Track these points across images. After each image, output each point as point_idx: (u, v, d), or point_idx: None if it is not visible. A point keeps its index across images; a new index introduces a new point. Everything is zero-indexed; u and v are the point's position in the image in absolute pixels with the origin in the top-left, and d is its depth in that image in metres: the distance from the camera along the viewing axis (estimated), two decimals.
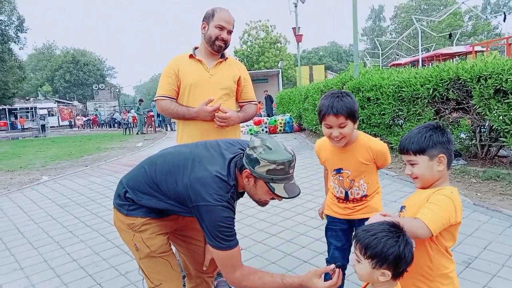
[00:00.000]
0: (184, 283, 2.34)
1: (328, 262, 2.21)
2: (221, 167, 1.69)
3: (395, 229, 1.26)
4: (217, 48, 2.47)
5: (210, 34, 2.46)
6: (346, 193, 2.06)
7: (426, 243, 1.45)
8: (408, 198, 1.63)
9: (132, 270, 3.15)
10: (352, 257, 1.31)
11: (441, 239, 1.45)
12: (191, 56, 2.55)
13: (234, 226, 1.68)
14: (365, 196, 2.05)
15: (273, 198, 1.73)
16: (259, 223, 4.05)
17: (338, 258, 2.11)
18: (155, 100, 2.63)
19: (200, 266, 2.12)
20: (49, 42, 69.55)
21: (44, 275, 3.17)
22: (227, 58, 2.60)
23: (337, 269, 1.59)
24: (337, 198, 2.11)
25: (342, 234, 2.13)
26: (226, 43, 2.48)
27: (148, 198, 1.77)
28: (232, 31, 2.52)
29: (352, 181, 2.03)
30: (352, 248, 1.32)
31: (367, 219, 1.99)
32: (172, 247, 2.00)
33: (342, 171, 2.03)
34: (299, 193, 1.72)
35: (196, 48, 2.61)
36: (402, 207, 1.60)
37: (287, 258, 3.22)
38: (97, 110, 40.10)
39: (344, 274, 2.18)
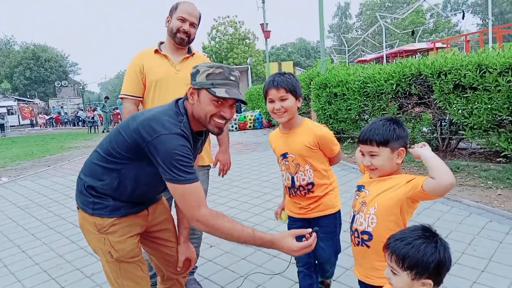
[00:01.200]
0: (154, 283, 2.29)
1: (296, 264, 2.21)
2: (168, 107, 1.66)
3: (430, 234, 1.17)
4: (178, 40, 2.42)
5: (172, 26, 2.41)
6: (293, 178, 2.06)
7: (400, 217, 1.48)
8: (366, 181, 1.61)
9: (97, 272, 3.07)
10: (386, 270, 1.23)
11: (405, 214, 1.50)
12: (156, 51, 2.49)
13: (192, 159, 1.58)
14: (312, 184, 2.02)
15: (220, 112, 1.63)
16: None
17: (303, 257, 2.06)
18: (121, 98, 2.55)
19: (173, 268, 2.02)
20: (6, 37, 66.20)
21: (4, 281, 3.03)
22: (194, 53, 2.56)
23: (313, 233, 1.57)
24: (288, 190, 2.11)
25: None
26: (188, 36, 2.43)
27: (108, 177, 1.64)
28: (196, 24, 2.47)
29: (297, 165, 2.02)
30: (388, 261, 1.22)
31: (324, 216, 2.05)
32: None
33: (287, 155, 2.05)
34: (244, 101, 1.69)
35: (161, 43, 2.55)
36: (361, 187, 1.61)
37: (257, 254, 3.23)
38: (62, 107, 38.74)
39: (316, 273, 2.20)
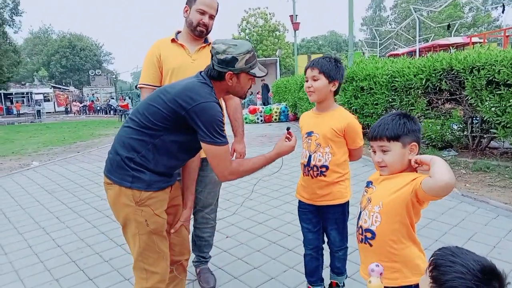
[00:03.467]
0: None
1: (304, 246, 2.26)
2: (197, 79, 1.82)
3: (481, 277, 0.90)
4: (198, 33, 2.42)
5: (192, 19, 2.40)
6: (310, 157, 2.11)
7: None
8: (375, 178, 1.57)
9: (116, 257, 3.14)
10: None
11: (412, 215, 1.44)
12: (173, 40, 2.49)
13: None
14: (326, 167, 2.06)
15: (252, 82, 1.92)
16: (246, 211, 4.04)
17: (312, 240, 2.20)
18: (139, 87, 2.58)
19: (179, 248, 2.10)
20: (45, 26, 68.81)
21: (27, 261, 3.16)
22: (210, 43, 2.54)
23: (289, 131, 1.97)
24: (303, 168, 2.16)
25: (312, 217, 2.19)
26: (207, 28, 2.43)
27: (143, 149, 1.73)
28: (214, 16, 2.45)
29: (319, 145, 2.07)
30: None
31: (332, 206, 2.08)
32: None
33: (312, 134, 2.11)
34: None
35: (178, 32, 2.55)
36: (370, 183, 1.58)
37: (272, 246, 3.21)
38: (94, 95, 39.83)
39: (322, 257, 2.28)
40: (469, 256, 0.94)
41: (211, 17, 2.42)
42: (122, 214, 1.79)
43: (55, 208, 4.50)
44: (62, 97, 40.10)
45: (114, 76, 59.60)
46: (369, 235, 1.49)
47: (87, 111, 35.59)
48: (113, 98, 36.05)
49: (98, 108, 35.58)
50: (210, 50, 1.84)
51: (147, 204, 1.76)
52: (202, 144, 1.75)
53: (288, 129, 2.00)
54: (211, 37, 2.59)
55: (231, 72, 1.80)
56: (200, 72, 1.88)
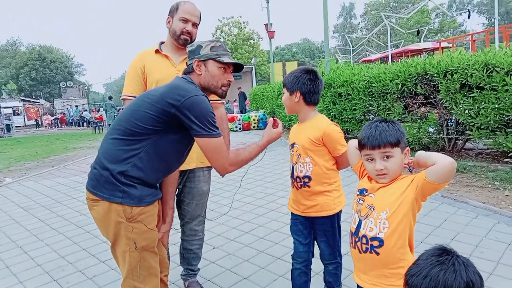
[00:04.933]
0: None
1: (293, 258, 2.22)
2: (178, 79, 1.84)
3: (445, 255, 1.03)
4: (182, 41, 2.40)
5: (175, 28, 2.38)
6: (293, 168, 2.12)
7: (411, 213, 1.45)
8: (369, 186, 1.55)
9: (99, 274, 3.04)
10: None
11: (415, 216, 1.47)
12: (157, 51, 2.46)
13: None
14: (308, 177, 2.04)
15: (226, 78, 1.93)
16: (232, 221, 4.00)
17: (302, 253, 2.16)
18: (122, 99, 2.52)
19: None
20: (13, 38, 66.79)
21: (6, 282, 3.01)
22: None
23: (273, 118, 2.05)
24: (290, 180, 2.17)
25: (303, 228, 2.16)
26: (191, 36, 2.41)
27: (134, 158, 1.67)
28: (198, 24, 2.44)
29: (299, 156, 2.08)
30: None
31: (322, 217, 2.06)
32: None
33: (294, 146, 2.12)
34: (242, 65, 1.99)
35: (162, 43, 2.52)
36: (363, 190, 1.55)
37: (260, 255, 3.19)
38: (68, 109, 38.80)
39: (310, 270, 2.24)
40: (421, 263, 1.05)
41: (194, 25, 2.41)
42: (112, 231, 1.71)
43: (32, 226, 4.32)
44: (33, 110, 38.89)
45: (86, 88, 58.36)
46: (376, 243, 1.46)
47: (59, 124, 34.65)
48: (86, 110, 35.26)
49: (71, 120, 34.71)
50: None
51: (139, 220, 1.70)
52: (198, 140, 1.73)
53: (273, 116, 2.09)
54: None
55: (197, 59, 1.85)
56: (178, 75, 1.91)
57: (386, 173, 1.46)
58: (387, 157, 1.45)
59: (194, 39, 2.45)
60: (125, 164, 1.67)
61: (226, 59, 1.88)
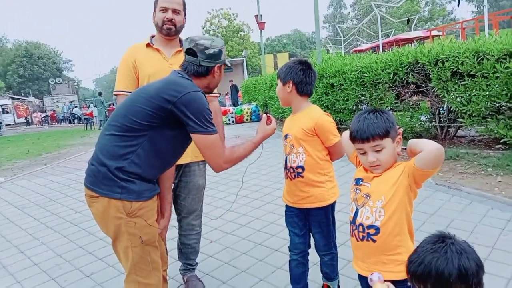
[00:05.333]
0: None
1: (290, 250, 2.24)
2: (174, 75, 1.83)
3: (439, 242, 1.04)
4: (166, 31, 2.36)
5: (157, 20, 2.37)
6: (286, 158, 2.13)
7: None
8: (365, 175, 1.56)
9: (97, 271, 3.04)
10: None
11: (411, 203, 1.49)
12: (148, 45, 2.43)
13: None
14: (301, 168, 2.04)
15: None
16: (228, 214, 4.01)
17: (298, 244, 2.18)
18: (115, 94, 2.50)
19: None
20: None
21: (3, 282, 3.00)
22: None
23: (267, 115, 2.09)
24: (284, 171, 2.18)
25: (298, 220, 2.17)
26: (175, 24, 2.37)
27: (131, 154, 1.66)
28: (179, 10, 2.39)
29: (292, 146, 2.09)
30: None
31: (317, 209, 2.06)
32: None
33: (287, 136, 2.13)
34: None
35: (153, 36, 2.50)
36: (359, 180, 1.56)
37: (258, 248, 3.20)
38: (58, 106, 38.33)
39: (308, 263, 2.25)
40: (418, 250, 1.08)
41: (175, 12, 2.37)
42: (112, 227, 1.72)
43: (27, 225, 4.29)
44: (22, 108, 38.39)
45: (75, 84, 57.70)
46: (372, 231, 1.48)
47: (50, 121, 34.29)
48: (76, 107, 34.90)
49: (61, 117, 34.34)
50: (191, 48, 1.83)
51: (139, 215, 1.71)
52: (194, 136, 1.73)
53: (266, 113, 2.13)
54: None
55: (218, 65, 1.88)
56: (175, 70, 1.88)
57: (378, 164, 1.47)
58: (377, 150, 1.46)
59: (180, 27, 2.42)
60: (123, 160, 1.67)
61: (227, 62, 2.00)
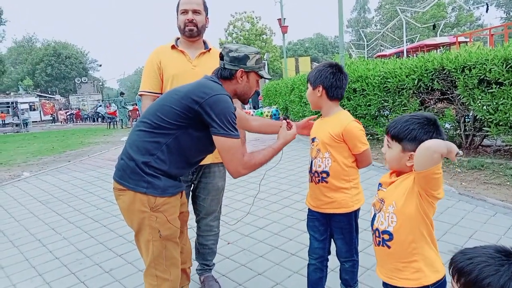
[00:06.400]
0: None
1: (309, 255, 2.22)
2: (205, 79, 1.87)
3: (500, 255, 0.96)
4: (188, 33, 2.39)
5: (179, 23, 2.40)
6: (311, 162, 2.11)
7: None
8: (384, 180, 1.54)
9: (116, 267, 3.09)
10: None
11: (428, 213, 1.41)
12: (173, 47, 2.46)
13: None
14: (326, 173, 2.02)
15: (256, 86, 2.02)
16: (246, 217, 4.01)
17: (317, 249, 2.16)
18: (139, 95, 2.54)
19: (182, 255, 2.09)
20: (29, 34, 67.94)
21: (25, 274, 3.08)
22: (210, 49, 2.52)
23: (286, 120, 2.11)
24: (309, 174, 2.16)
25: (319, 224, 2.14)
26: (196, 25, 2.39)
27: (157, 151, 1.74)
28: (200, 10, 2.40)
29: (318, 151, 2.07)
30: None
31: (339, 215, 2.03)
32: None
33: (314, 140, 2.11)
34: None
35: (178, 38, 2.53)
36: (380, 185, 1.56)
37: (275, 251, 3.19)
38: (85, 105, 39.32)
39: (327, 269, 2.22)
40: (478, 249, 0.99)
41: (196, 12, 2.39)
42: (136, 220, 1.78)
43: (50, 219, 4.40)
44: (48, 106, 39.52)
45: (100, 83, 59.02)
46: (386, 237, 1.46)
47: (74, 119, 35.14)
48: (100, 106, 35.67)
49: (86, 116, 35.14)
50: (221, 51, 1.89)
51: (161, 210, 1.77)
52: (215, 138, 1.76)
53: (286, 118, 2.15)
54: (210, 42, 2.57)
55: (242, 70, 1.87)
56: (205, 76, 1.91)
57: (385, 158, 1.49)
58: (389, 146, 1.47)
59: (203, 27, 2.44)
60: (149, 155, 1.74)
61: (265, 74, 1.99)
